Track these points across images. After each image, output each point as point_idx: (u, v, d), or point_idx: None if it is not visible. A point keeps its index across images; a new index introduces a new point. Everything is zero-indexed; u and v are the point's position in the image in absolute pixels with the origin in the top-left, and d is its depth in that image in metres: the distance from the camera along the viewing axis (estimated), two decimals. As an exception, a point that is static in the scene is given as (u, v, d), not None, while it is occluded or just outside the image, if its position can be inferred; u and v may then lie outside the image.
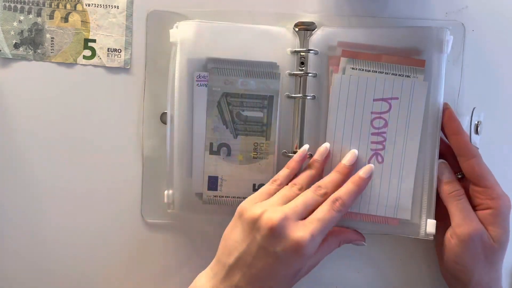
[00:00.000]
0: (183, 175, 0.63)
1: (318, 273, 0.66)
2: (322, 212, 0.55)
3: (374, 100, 0.60)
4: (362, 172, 0.59)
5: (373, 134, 0.61)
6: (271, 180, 0.59)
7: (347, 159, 0.60)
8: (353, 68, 0.61)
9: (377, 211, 0.61)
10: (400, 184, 0.61)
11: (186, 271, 0.60)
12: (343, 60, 0.61)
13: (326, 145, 0.61)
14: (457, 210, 0.59)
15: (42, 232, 0.67)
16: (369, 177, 0.59)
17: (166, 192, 0.63)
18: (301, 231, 0.53)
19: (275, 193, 0.57)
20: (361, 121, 0.61)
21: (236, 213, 0.57)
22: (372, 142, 0.61)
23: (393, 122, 0.60)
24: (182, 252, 0.67)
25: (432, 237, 0.61)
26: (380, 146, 0.61)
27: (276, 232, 0.52)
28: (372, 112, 0.61)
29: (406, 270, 0.66)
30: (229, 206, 0.63)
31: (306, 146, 0.61)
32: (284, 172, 0.60)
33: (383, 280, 0.67)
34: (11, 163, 0.67)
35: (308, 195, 0.56)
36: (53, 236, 0.67)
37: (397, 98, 0.60)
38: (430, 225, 0.60)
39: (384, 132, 0.61)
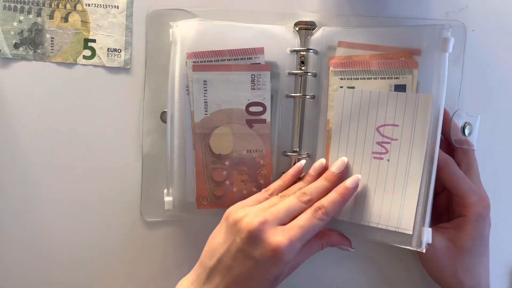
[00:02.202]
0: (182, 174, 0.63)
1: (319, 274, 0.66)
2: (304, 219, 0.54)
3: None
4: (348, 182, 0.58)
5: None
6: (263, 190, 0.60)
7: (336, 166, 0.59)
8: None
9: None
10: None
11: (186, 270, 0.60)
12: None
13: (321, 161, 0.61)
14: None
15: (41, 229, 0.67)
16: (355, 187, 0.58)
17: (165, 191, 0.63)
18: (280, 236, 0.52)
19: (264, 201, 0.57)
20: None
21: (223, 217, 0.57)
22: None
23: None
24: (182, 251, 0.67)
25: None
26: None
27: (254, 235, 0.52)
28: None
29: (407, 271, 0.66)
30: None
31: (302, 162, 0.61)
32: (277, 184, 0.60)
33: (384, 280, 0.66)
34: (11, 162, 0.67)
35: (292, 201, 0.56)
36: (52, 234, 0.67)
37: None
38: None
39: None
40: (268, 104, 0.62)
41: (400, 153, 0.59)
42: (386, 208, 0.59)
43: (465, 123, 0.61)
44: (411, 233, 0.58)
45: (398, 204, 0.58)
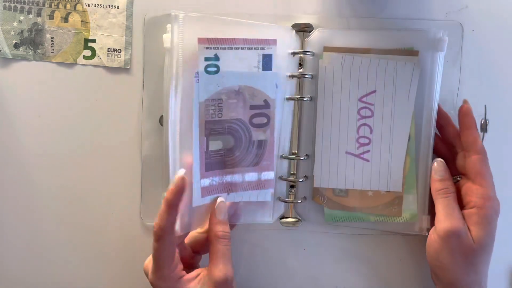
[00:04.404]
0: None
1: (317, 275, 0.67)
2: (154, 249, 0.56)
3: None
4: (171, 185, 0.55)
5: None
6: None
7: (174, 182, 0.55)
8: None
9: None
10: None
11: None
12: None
13: (180, 173, 0.56)
14: (442, 206, 0.59)
15: (40, 231, 0.67)
16: (181, 185, 0.55)
17: (164, 194, 0.63)
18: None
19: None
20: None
21: None
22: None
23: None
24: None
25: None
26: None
27: None
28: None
29: (405, 271, 0.66)
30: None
31: (180, 172, 0.56)
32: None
33: (382, 281, 0.67)
34: (11, 162, 0.67)
35: (153, 246, 0.56)
36: (51, 237, 0.67)
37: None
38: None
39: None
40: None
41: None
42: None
43: (487, 120, 0.62)
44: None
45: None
